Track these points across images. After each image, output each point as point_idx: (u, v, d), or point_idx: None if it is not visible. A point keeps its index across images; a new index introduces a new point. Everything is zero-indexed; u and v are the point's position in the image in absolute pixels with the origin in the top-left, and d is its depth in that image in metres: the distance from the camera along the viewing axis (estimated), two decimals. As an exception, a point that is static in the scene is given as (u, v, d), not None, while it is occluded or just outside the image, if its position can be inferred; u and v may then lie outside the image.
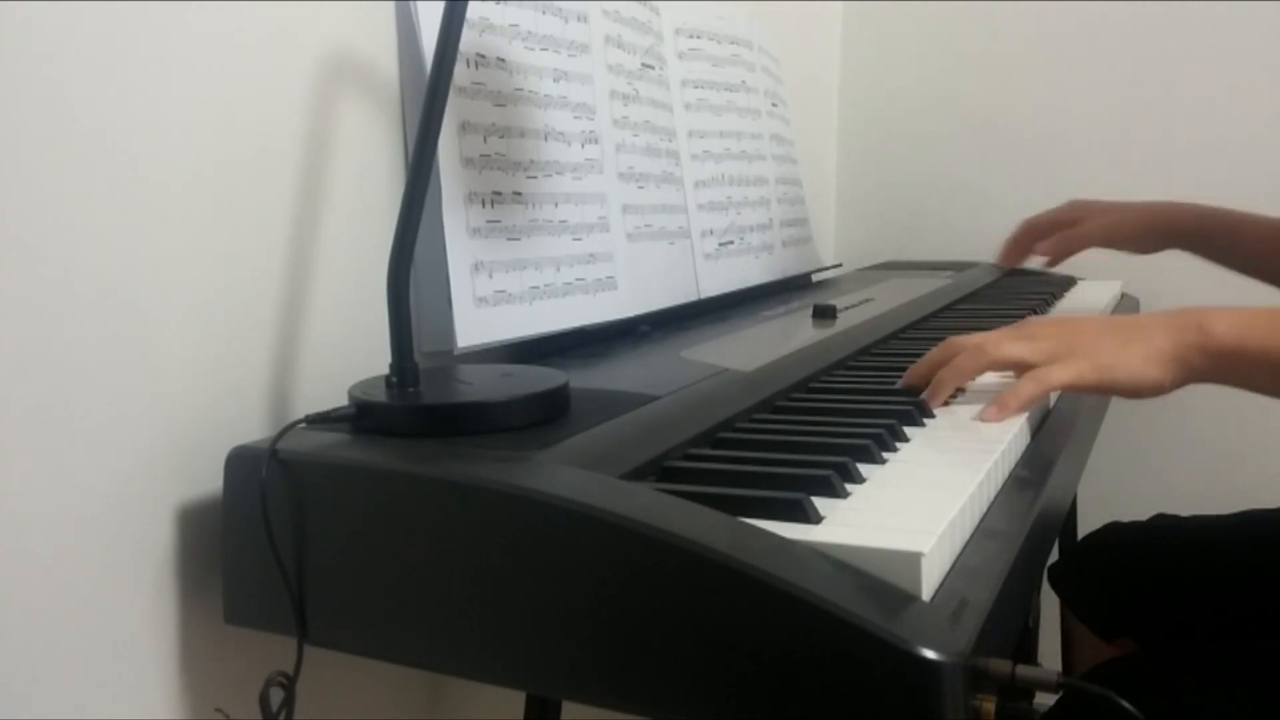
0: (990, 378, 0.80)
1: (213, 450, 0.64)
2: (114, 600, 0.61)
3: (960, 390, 0.79)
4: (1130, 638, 1.04)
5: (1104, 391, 0.73)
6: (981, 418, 0.71)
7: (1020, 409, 0.71)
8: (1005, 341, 0.75)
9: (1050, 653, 1.33)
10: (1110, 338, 0.73)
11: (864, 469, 0.60)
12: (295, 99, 0.71)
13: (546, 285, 0.86)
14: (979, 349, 0.74)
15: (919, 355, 0.89)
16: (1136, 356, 0.71)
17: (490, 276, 0.81)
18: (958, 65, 1.76)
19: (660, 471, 0.60)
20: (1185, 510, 1.11)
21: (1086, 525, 1.18)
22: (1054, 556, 1.16)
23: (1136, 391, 0.72)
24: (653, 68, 1.10)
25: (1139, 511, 1.13)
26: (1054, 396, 0.86)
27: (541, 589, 0.50)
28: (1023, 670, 0.44)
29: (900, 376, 0.82)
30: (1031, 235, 1.22)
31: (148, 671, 0.64)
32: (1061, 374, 0.72)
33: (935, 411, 0.74)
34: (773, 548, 0.47)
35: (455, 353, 0.78)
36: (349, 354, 0.76)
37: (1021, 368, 0.74)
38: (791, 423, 0.71)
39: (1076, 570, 1.13)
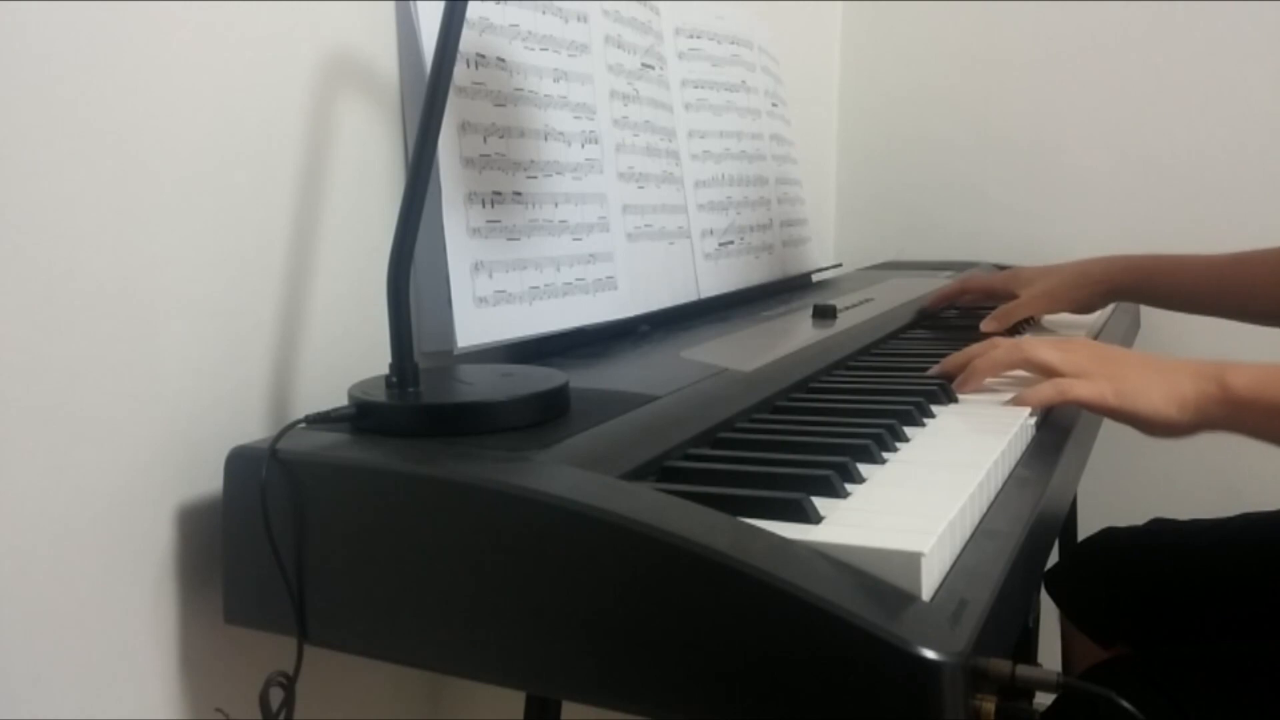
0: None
1: (213, 450, 0.64)
2: (114, 600, 0.61)
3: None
4: (1128, 645, 1.04)
5: (1121, 417, 0.75)
6: (1009, 401, 0.77)
7: (1036, 407, 0.76)
8: (1043, 346, 0.79)
9: (1050, 653, 1.33)
10: (1139, 371, 0.76)
11: (864, 469, 0.60)
12: (295, 99, 0.71)
13: (546, 285, 0.86)
14: (1016, 346, 0.80)
15: (919, 355, 0.90)
16: (1159, 393, 0.73)
17: (490, 276, 0.81)
18: (957, 65, 1.76)
19: (660, 471, 0.60)
20: (1183, 514, 1.11)
21: (1084, 530, 1.18)
22: (1054, 559, 1.16)
23: (1151, 426, 0.74)
24: (653, 68, 1.10)
25: (1136, 516, 1.13)
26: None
27: (541, 589, 0.50)
28: (1023, 670, 0.44)
29: (900, 376, 0.83)
30: (959, 294, 1.23)
31: (148, 671, 0.64)
32: (1084, 389, 0.75)
33: (936, 411, 0.74)
34: (773, 548, 0.47)
35: (455, 353, 0.78)
36: (349, 354, 0.76)
37: (1050, 373, 0.78)
38: (791, 423, 0.71)
39: (1073, 577, 1.13)
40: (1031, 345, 0.79)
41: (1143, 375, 0.75)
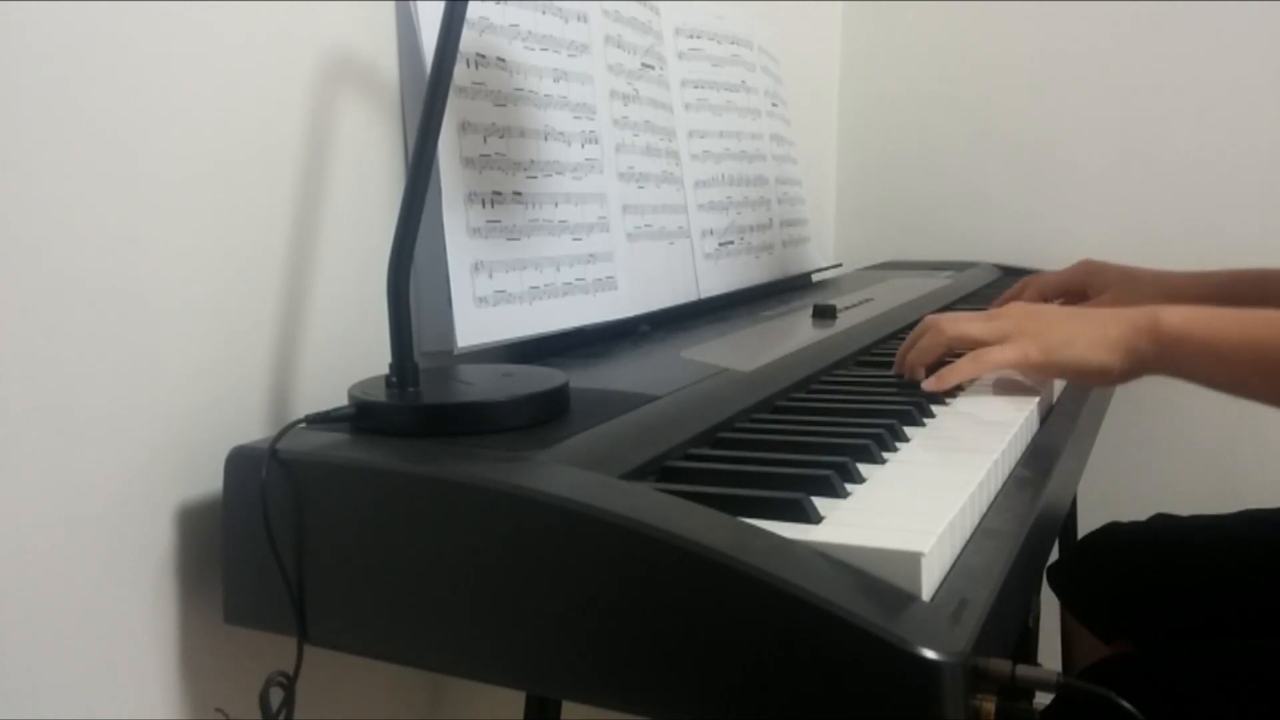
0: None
1: (213, 450, 0.64)
2: (114, 600, 0.61)
3: (961, 389, 0.80)
4: (1129, 639, 1.04)
5: (1050, 373, 0.75)
6: (924, 386, 0.76)
7: (956, 382, 0.76)
8: (963, 321, 0.78)
9: (1050, 653, 1.33)
10: (1064, 323, 0.75)
11: (864, 469, 0.60)
12: (295, 99, 0.71)
13: (546, 285, 0.86)
14: (940, 328, 0.79)
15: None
16: (1084, 340, 0.73)
17: (490, 276, 0.81)
18: (957, 65, 1.76)
19: (660, 471, 0.60)
20: (1185, 510, 1.11)
21: (1086, 525, 1.18)
22: (1054, 556, 1.16)
23: (1083, 374, 0.74)
24: (653, 68, 1.10)
25: (1138, 511, 1.13)
26: (1055, 393, 0.86)
27: (541, 589, 0.50)
28: (1023, 670, 0.44)
29: (900, 376, 0.83)
30: (1037, 297, 1.18)
31: (148, 671, 0.64)
32: (1005, 354, 0.75)
33: (936, 411, 0.74)
34: (773, 548, 0.47)
35: (455, 353, 0.78)
36: (349, 354, 0.76)
37: (976, 346, 0.77)
38: (791, 423, 0.71)
39: (1076, 571, 1.13)
40: (953, 322, 0.78)
41: (1068, 327, 0.74)
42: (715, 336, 0.96)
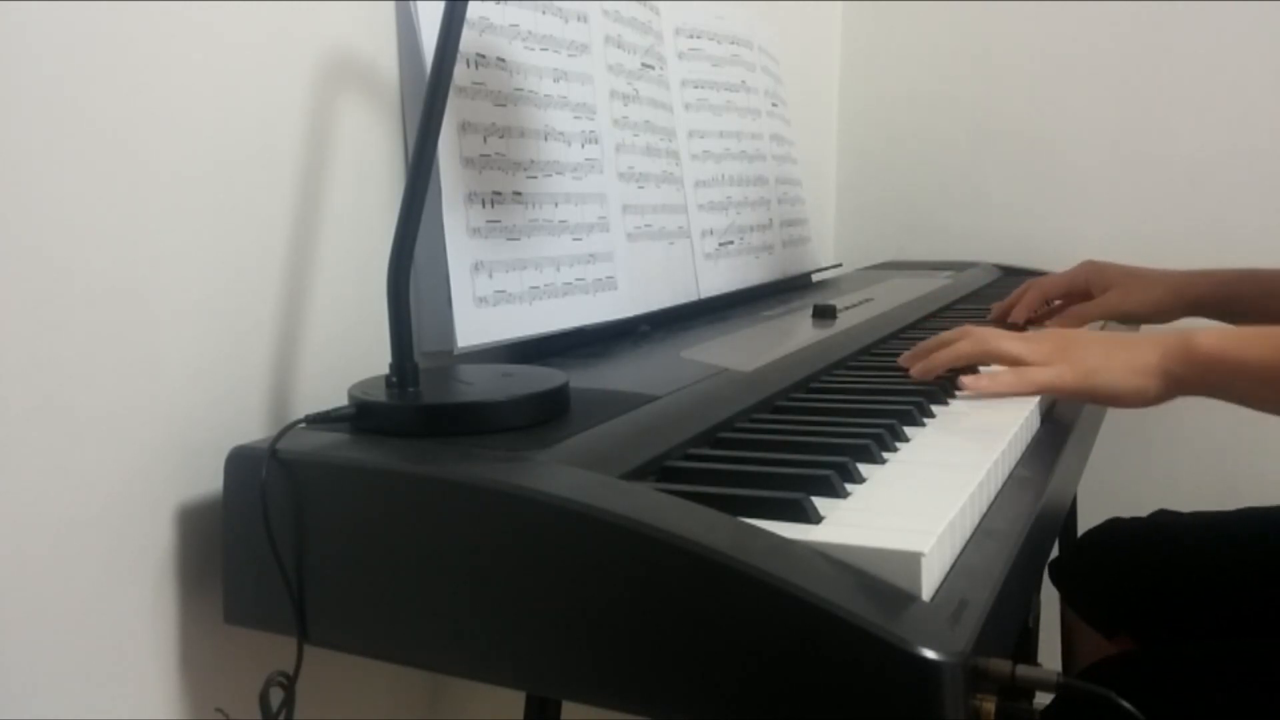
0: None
1: (213, 450, 0.64)
2: (114, 600, 0.61)
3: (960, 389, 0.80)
4: (1130, 635, 1.04)
5: (1084, 397, 0.76)
6: (960, 382, 0.78)
7: (993, 392, 0.77)
8: (1005, 339, 0.79)
9: (1050, 652, 1.33)
10: (1100, 349, 0.77)
11: (864, 469, 0.60)
12: (295, 99, 0.71)
13: (546, 285, 0.86)
14: (981, 339, 0.80)
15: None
16: (1120, 365, 0.74)
17: (490, 276, 0.81)
18: (957, 65, 1.76)
19: (660, 471, 0.60)
20: (1186, 507, 1.11)
21: (1087, 521, 1.18)
22: (1054, 552, 1.16)
23: (1118, 399, 0.75)
24: (653, 68, 1.10)
25: (1140, 508, 1.13)
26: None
27: (541, 589, 0.50)
28: (1023, 670, 0.44)
29: (900, 377, 0.84)
30: (1041, 299, 1.18)
31: (148, 671, 0.64)
32: (1043, 374, 0.76)
33: (936, 411, 0.74)
34: (773, 548, 0.47)
35: (455, 353, 0.78)
36: (349, 354, 0.76)
37: (1015, 364, 0.78)
38: (791, 423, 0.71)
39: (1077, 566, 1.13)
40: (996, 338, 0.80)
41: (1103, 353, 0.76)
42: (715, 336, 0.96)
